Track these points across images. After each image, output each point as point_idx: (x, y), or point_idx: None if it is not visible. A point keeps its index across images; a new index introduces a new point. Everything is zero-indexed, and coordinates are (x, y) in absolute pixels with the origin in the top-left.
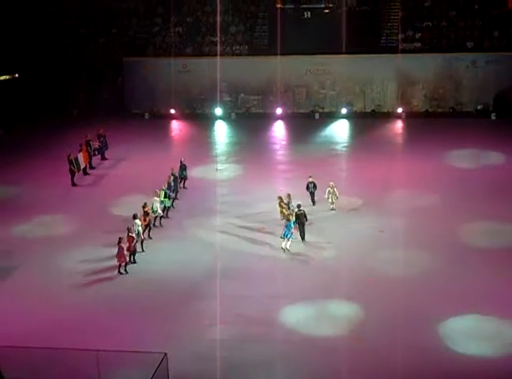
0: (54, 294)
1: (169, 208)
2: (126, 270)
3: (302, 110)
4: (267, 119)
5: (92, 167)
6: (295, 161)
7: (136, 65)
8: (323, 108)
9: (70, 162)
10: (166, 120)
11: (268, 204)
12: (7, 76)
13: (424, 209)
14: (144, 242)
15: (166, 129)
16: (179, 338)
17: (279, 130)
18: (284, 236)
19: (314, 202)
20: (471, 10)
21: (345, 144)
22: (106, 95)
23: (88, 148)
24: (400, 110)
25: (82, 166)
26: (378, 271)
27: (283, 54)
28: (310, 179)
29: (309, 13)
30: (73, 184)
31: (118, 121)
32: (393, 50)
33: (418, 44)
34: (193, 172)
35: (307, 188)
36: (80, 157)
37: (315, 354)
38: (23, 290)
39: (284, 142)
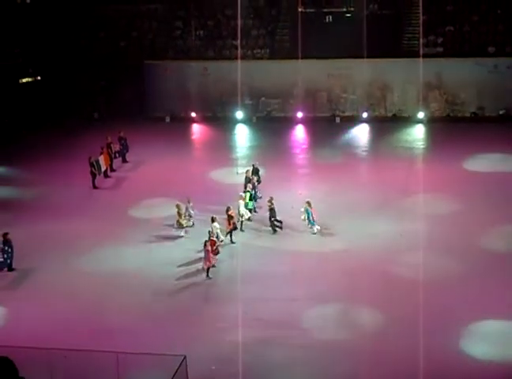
0: (73, 295)
1: (252, 210)
2: (207, 274)
3: (322, 114)
4: (288, 123)
5: (112, 170)
6: (316, 165)
7: (156, 68)
8: (344, 112)
9: (91, 164)
10: (187, 123)
11: (287, 207)
12: (29, 79)
13: (445, 214)
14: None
15: (187, 132)
16: (199, 340)
17: (299, 134)
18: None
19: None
20: (493, 15)
21: (366, 149)
22: (126, 98)
23: (109, 150)
24: (421, 114)
25: (103, 169)
26: (398, 275)
27: (304, 57)
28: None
29: (330, 16)
30: (94, 186)
31: (138, 125)
32: (415, 55)
33: (440, 49)
34: (213, 175)
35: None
36: (101, 160)
37: (335, 357)
38: (43, 291)
39: (304, 146)
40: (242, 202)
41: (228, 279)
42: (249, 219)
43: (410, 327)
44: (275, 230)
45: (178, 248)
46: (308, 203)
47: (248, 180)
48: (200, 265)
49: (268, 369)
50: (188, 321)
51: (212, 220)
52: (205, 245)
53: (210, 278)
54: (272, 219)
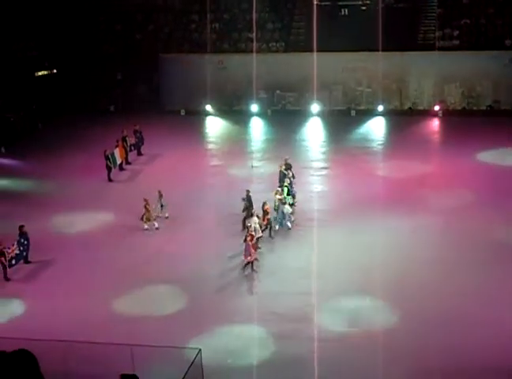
0: (88, 288)
1: (292, 205)
2: (252, 268)
3: (338, 108)
4: (303, 116)
5: (128, 163)
6: (331, 158)
7: (172, 61)
8: (359, 105)
9: (107, 157)
10: (202, 116)
11: (301, 201)
12: (45, 72)
13: (460, 208)
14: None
15: (202, 125)
16: (214, 334)
17: (315, 127)
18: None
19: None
20: (510, 8)
21: (381, 142)
22: (142, 92)
23: (125, 143)
24: (436, 107)
25: (118, 162)
26: (412, 270)
27: (319, 50)
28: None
29: (346, 9)
30: (110, 179)
31: (154, 118)
32: (431, 48)
33: (456, 42)
34: (228, 168)
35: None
36: (117, 153)
37: (348, 352)
38: (59, 284)
39: (319, 139)
40: (278, 197)
41: (243, 272)
42: (291, 213)
43: (424, 322)
44: (244, 227)
45: (191, 240)
46: (281, 200)
47: (283, 175)
48: (224, 255)
49: (283, 363)
50: (204, 314)
51: (252, 215)
52: (245, 239)
53: (255, 271)
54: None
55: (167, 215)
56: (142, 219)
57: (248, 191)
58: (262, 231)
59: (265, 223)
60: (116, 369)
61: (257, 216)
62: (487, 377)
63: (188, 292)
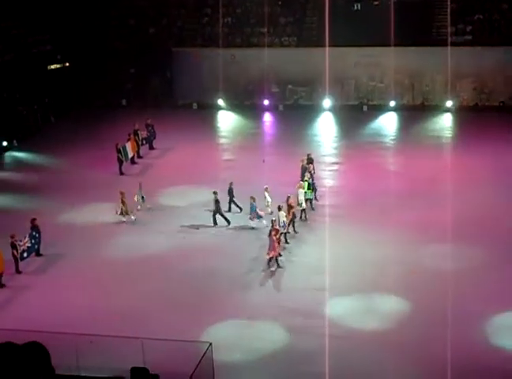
0: (99, 281)
1: (311, 200)
2: (277, 264)
3: (350, 103)
4: (315, 111)
5: (139, 157)
6: (343, 153)
7: (185, 55)
8: (371, 100)
9: (118, 151)
10: (214, 110)
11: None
12: (58, 66)
13: (473, 203)
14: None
15: (214, 119)
16: (225, 328)
17: (327, 122)
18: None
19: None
20: None
21: (393, 137)
22: (154, 85)
23: (136, 137)
24: (449, 103)
25: (130, 156)
26: (425, 264)
27: (332, 45)
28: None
29: (359, 4)
30: (121, 173)
31: (166, 111)
32: (443, 43)
33: (469, 37)
34: (240, 163)
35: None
36: (128, 146)
37: (359, 347)
38: (70, 277)
39: (331, 134)
40: (301, 191)
41: (255, 267)
42: (311, 208)
43: (436, 317)
44: (216, 223)
45: (202, 234)
46: (252, 198)
47: (305, 169)
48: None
49: (293, 358)
50: (214, 308)
51: (279, 209)
52: (270, 234)
53: (279, 266)
54: (217, 211)
55: (148, 205)
56: (120, 212)
57: (231, 183)
58: (290, 224)
59: (290, 217)
60: (127, 363)
61: (284, 211)
62: (498, 374)
63: (199, 285)
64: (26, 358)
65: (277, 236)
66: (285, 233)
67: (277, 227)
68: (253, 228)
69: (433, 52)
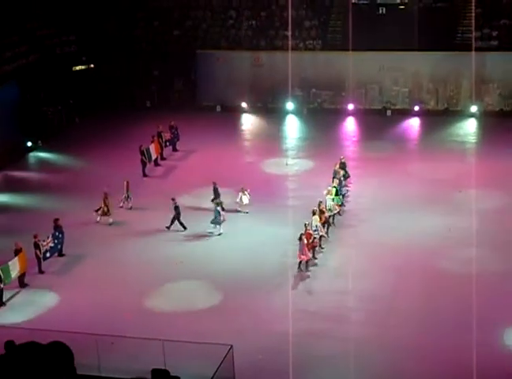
0: (121, 282)
1: (340, 205)
2: (307, 267)
3: (374, 107)
4: (338, 115)
5: (163, 158)
6: (366, 158)
7: (209, 57)
8: (395, 105)
9: (142, 153)
10: (237, 113)
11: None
12: (83, 67)
13: (496, 209)
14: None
15: (237, 122)
16: (245, 331)
17: (350, 126)
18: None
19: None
20: None
21: (417, 142)
22: (178, 87)
23: (160, 139)
24: (473, 108)
25: (153, 158)
26: (446, 270)
27: (356, 49)
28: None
29: (384, 8)
30: (144, 175)
31: (189, 114)
32: (468, 48)
33: (494, 42)
34: (263, 166)
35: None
36: (152, 148)
37: (381, 351)
38: (92, 277)
39: (354, 138)
40: (329, 197)
41: (277, 270)
42: (338, 213)
43: (458, 322)
44: (185, 227)
45: (224, 237)
46: (218, 203)
47: (335, 174)
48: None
49: (313, 361)
50: (236, 311)
51: (313, 213)
52: (301, 238)
53: (307, 270)
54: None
55: (130, 205)
56: (98, 211)
57: (215, 183)
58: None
59: (321, 221)
60: (147, 364)
61: (318, 215)
62: None
63: (221, 288)
64: (50, 357)
65: (310, 240)
66: (320, 237)
67: (310, 231)
68: (210, 233)
69: (458, 57)
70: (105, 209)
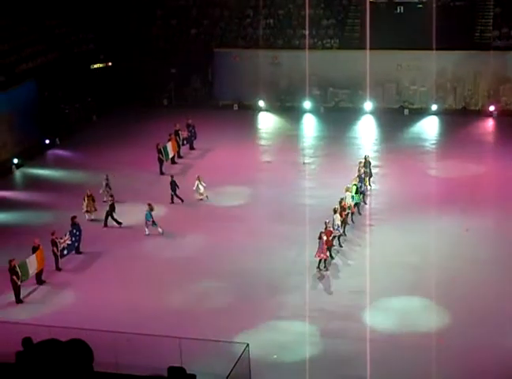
0: (137, 280)
1: (358, 204)
2: (325, 266)
3: (391, 106)
4: (356, 114)
5: (180, 157)
6: (383, 157)
7: (226, 56)
8: (413, 104)
9: (159, 151)
10: (254, 112)
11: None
12: (101, 65)
13: None
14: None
15: (254, 120)
16: (262, 329)
17: (367, 125)
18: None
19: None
20: None
21: (434, 141)
22: (196, 86)
23: (177, 137)
24: (491, 108)
25: (170, 156)
26: (464, 270)
27: (373, 48)
28: None
29: (402, 7)
30: (162, 173)
31: (206, 112)
32: (487, 47)
33: None
34: (280, 164)
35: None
36: (169, 146)
37: (396, 351)
38: (109, 275)
39: (371, 137)
40: (349, 194)
41: (294, 269)
42: (358, 213)
43: (475, 323)
44: (120, 223)
45: (241, 236)
46: (149, 205)
47: (359, 172)
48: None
49: (330, 361)
50: (252, 309)
51: (334, 211)
52: (320, 236)
53: (326, 269)
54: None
55: (104, 199)
56: (88, 210)
57: (172, 176)
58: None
59: (342, 218)
60: (164, 362)
61: (339, 213)
62: None
63: (237, 287)
64: (69, 354)
65: (330, 237)
66: (339, 236)
67: (331, 229)
68: (148, 235)
69: (476, 56)
70: (88, 207)
